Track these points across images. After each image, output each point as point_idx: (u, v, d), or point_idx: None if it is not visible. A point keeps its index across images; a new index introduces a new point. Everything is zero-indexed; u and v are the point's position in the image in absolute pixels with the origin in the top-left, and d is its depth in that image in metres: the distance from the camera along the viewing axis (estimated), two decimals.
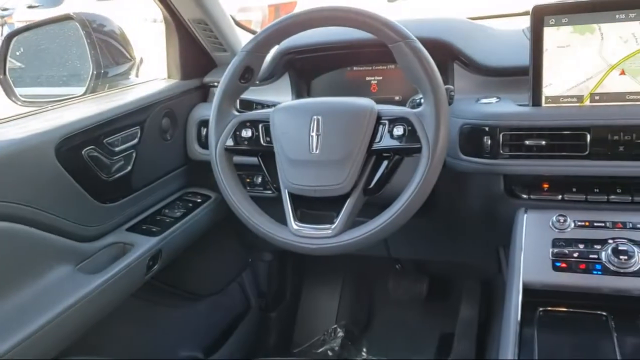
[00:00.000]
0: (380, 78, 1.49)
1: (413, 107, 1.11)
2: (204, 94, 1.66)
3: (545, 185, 1.19)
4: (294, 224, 1.10)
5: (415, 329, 2.04)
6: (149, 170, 1.45)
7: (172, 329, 1.65)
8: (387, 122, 1.08)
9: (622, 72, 1.10)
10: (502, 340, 0.95)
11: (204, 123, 1.50)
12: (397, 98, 1.46)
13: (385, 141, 1.07)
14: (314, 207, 1.13)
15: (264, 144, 1.16)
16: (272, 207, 1.19)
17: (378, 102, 1.12)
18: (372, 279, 2.19)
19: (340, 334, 2.02)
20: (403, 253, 1.83)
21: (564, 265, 1.02)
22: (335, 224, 1.07)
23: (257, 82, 1.50)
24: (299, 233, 1.09)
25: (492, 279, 1.82)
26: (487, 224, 1.34)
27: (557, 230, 1.08)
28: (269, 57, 1.44)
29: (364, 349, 2.02)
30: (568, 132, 1.10)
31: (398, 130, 1.06)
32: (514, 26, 1.44)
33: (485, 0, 2.28)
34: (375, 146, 1.08)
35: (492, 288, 1.89)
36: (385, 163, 1.10)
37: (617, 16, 1.08)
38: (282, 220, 1.13)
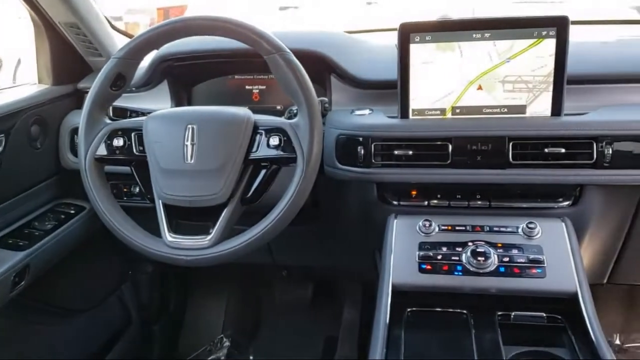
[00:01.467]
0: (263, 87, 1.50)
1: (290, 118, 1.14)
2: (79, 100, 1.59)
3: (414, 192, 1.26)
4: (168, 236, 1.08)
5: (301, 333, 2.07)
6: (16, 180, 1.37)
7: (44, 347, 1.56)
8: (263, 131, 1.09)
9: (480, 87, 1.19)
10: (372, 341, 0.99)
11: (77, 131, 1.44)
12: (278, 107, 1.48)
13: (262, 151, 1.09)
14: (189, 218, 1.12)
15: (137, 153, 1.13)
16: (152, 218, 1.16)
17: (259, 111, 1.14)
18: (258, 286, 2.19)
19: (227, 343, 2.00)
20: (288, 260, 1.85)
21: (429, 267, 1.09)
22: (212, 234, 1.06)
23: (133, 89, 1.46)
24: (174, 245, 1.07)
25: (372, 282, 1.89)
26: (364, 229, 1.40)
27: (423, 234, 1.15)
28: (145, 63, 1.41)
29: (251, 357, 2.02)
30: (432, 143, 1.18)
31: (274, 140, 1.08)
32: (388, 41, 1.48)
33: (389, 10, 2.35)
34: (252, 156, 1.09)
35: (373, 290, 1.96)
36: (262, 172, 1.11)
37: (474, 35, 1.17)
38: (159, 231, 1.10)
